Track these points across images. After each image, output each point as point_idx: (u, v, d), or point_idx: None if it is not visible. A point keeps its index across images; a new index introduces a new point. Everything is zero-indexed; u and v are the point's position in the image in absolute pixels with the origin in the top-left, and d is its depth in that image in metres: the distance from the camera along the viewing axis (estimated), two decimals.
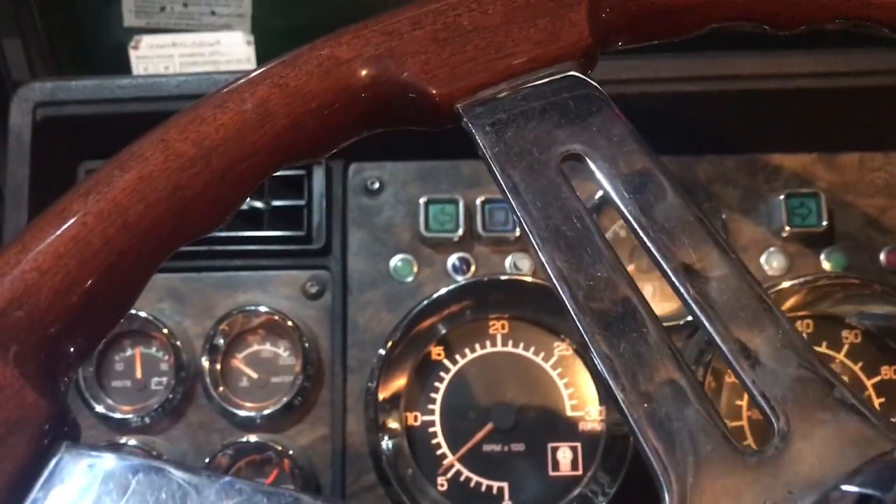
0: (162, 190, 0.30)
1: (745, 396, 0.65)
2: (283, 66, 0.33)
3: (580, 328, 0.31)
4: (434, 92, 0.34)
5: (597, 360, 0.30)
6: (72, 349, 0.28)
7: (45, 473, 0.25)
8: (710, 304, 0.31)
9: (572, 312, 0.31)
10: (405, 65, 0.34)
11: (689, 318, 0.64)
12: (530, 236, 0.32)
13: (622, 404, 0.29)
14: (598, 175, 0.33)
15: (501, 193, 0.33)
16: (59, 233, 0.28)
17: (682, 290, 0.31)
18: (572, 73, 0.35)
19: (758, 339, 0.30)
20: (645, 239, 0.32)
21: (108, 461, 0.26)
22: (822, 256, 0.67)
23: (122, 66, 0.77)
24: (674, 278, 0.32)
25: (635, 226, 0.33)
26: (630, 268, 0.57)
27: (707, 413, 0.29)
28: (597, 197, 0.62)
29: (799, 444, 0.28)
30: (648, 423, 0.29)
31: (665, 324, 0.33)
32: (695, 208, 0.33)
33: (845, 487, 0.26)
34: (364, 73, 0.34)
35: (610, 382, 0.30)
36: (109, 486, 0.25)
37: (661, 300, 0.64)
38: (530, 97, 0.35)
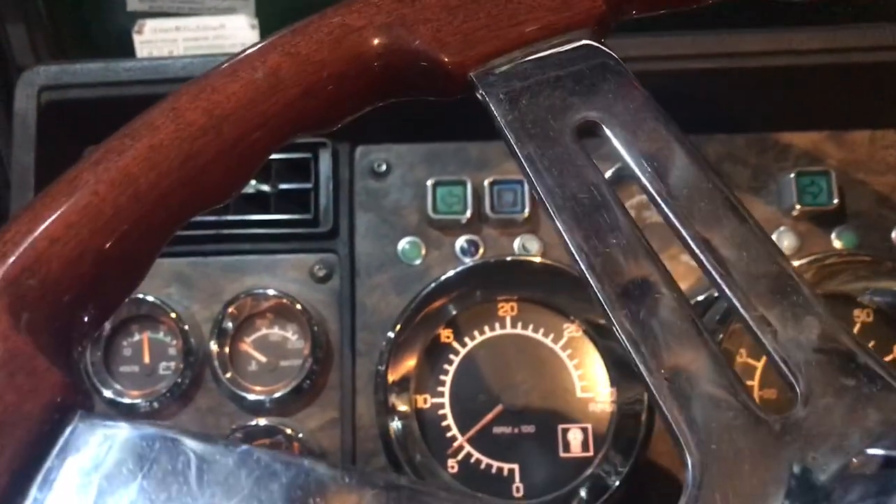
0: (173, 159, 0.29)
1: (757, 377, 0.64)
2: (294, 34, 0.33)
3: (598, 297, 0.31)
4: (446, 60, 0.34)
5: (616, 329, 0.30)
6: (85, 318, 0.28)
7: (60, 442, 0.25)
8: (730, 272, 0.30)
9: (590, 282, 0.31)
10: (417, 32, 0.33)
11: (702, 297, 0.64)
12: (547, 205, 0.32)
13: (644, 373, 0.29)
14: (615, 142, 0.33)
15: (517, 163, 0.33)
16: (70, 202, 0.28)
17: (701, 257, 0.31)
18: (587, 41, 0.35)
19: (779, 306, 0.30)
20: (663, 206, 0.32)
21: (123, 430, 0.25)
22: (833, 235, 0.66)
23: (125, 50, 0.77)
24: (693, 246, 0.31)
25: (653, 193, 0.32)
26: None
27: (729, 381, 0.29)
28: (610, 172, 0.61)
29: (822, 409, 0.27)
30: (670, 392, 0.28)
31: None
32: (713, 175, 0.32)
33: (871, 451, 0.25)
34: (375, 41, 0.33)
35: (631, 351, 0.29)
36: (125, 455, 0.25)
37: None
38: (545, 65, 0.34)
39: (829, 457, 0.26)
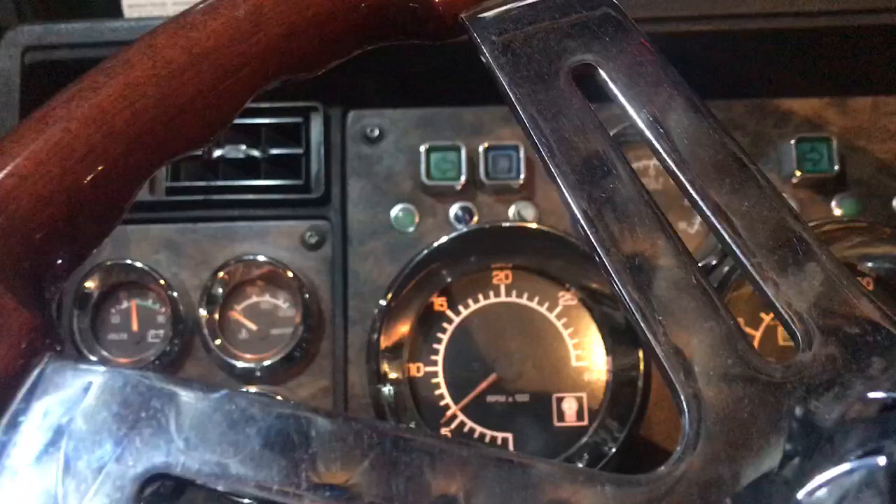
0: (150, 97, 0.28)
1: (755, 344, 0.63)
2: None
3: (592, 245, 0.29)
4: (436, 0, 0.32)
5: (611, 277, 0.29)
6: (57, 260, 0.27)
7: (28, 383, 0.24)
8: (732, 220, 0.29)
9: (585, 229, 0.30)
10: None
11: (700, 263, 0.63)
12: (540, 150, 0.31)
13: (636, 317, 0.28)
14: (611, 86, 0.32)
15: (510, 107, 0.32)
16: (41, 138, 0.27)
17: (701, 204, 0.30)
18: None
19: (782, 253, 0.29)
20: (661, 152, 0.31)
21: (96, 374, 0.24)
22: (834, 202, 0.65)
23: (113, 13, 0.75)
24: (693, 193, 0.30)
25: (651, 139, 0.31)
26: None
27: (729, 328, 0.28)
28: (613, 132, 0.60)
29: (825, 357, 0.26)
30: (665, 339, 0.27)
31: None
32: (714, 122, 0.31)
33: (871, 395, 0.24)
34: None
35: (629, 305, 0.28)
36: (97, 399, 0.24)
37: None
38: (541, 10, 0.33)
39: (831, 403, 0.25)
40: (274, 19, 0.31)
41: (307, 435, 0.24)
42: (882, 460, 0.20)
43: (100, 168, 0.27)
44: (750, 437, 0.25)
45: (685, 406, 0.26)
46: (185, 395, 0.24)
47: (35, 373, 0.24)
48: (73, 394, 0.24)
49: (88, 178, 0.27)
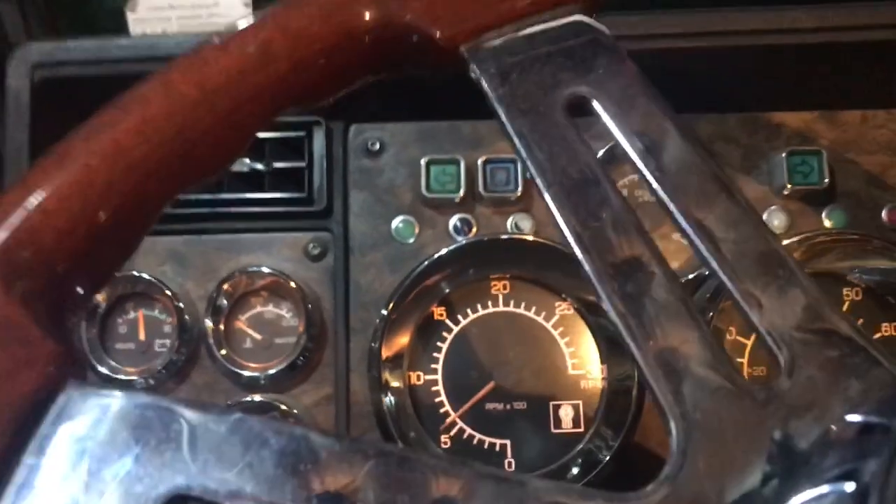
0: (165, 132, 0.30)
1: (747, 354, 0.65)
2: (286, 8, 0.33)
3: (588, 272, 0.31)
4: (438, 34, 0.34)
5: (606, 303, 0.30)
6: (78, 288, 0.28)
7: (54, 410, 0.25)
8: (719, 248, 0.31)
9: (580, 257, 0.31)
10: (408, 6, 0.33)
11: (692, 275, 0.64)
12: (537, 180, 0.32)
13: (631, 346, 0.29)
14: (605, 118, 0.33)
15: (507, 138, 0.33)
16: (62, 174, 0.28)
17: (690, 233, 0.31)
18: (578, 17, 0.35)
19: (766, 280, 0.30)
20: (653, 182, 0.32)
21: (117, 399, 0.26)
22: (824, 214, 0.67)
23: (119, 28, 0.76)
24: (683, 222, 0.32)
25: (643, 169, 0.33)
26: None
27: (714, 354, 0.29)
28: (602, 152, 0.61)
29: (805, 379, 0.28)
30: (656, 363, 0.29)
31: None
32: (703, 152, 0.33)
33: (849, 417, 0.26)
34: (367, 14, 0.33)
35: (619, 325, 0.30)
36: (118, 423, 0.25)
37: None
38: (536, 41, 0.35)
39: (811, 424, 0.27)
40: (282, 54, 0.32)
41: (316, 456, 0.25)
42: (850, 486, 0.21)
43: (118, 201, 0.29)
44: (734, 456, 0.26)
45: (672, 427, 0.27)
46: (202, 419, 0.26)
47: (61, 399, 0.25)
48: (95, 418, 0.25)
49: (107, 211, 0.28)
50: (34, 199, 0.27)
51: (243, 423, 0.26)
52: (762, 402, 0.27)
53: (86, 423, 0.25)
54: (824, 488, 0.22)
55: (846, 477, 0.22)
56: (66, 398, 0.25)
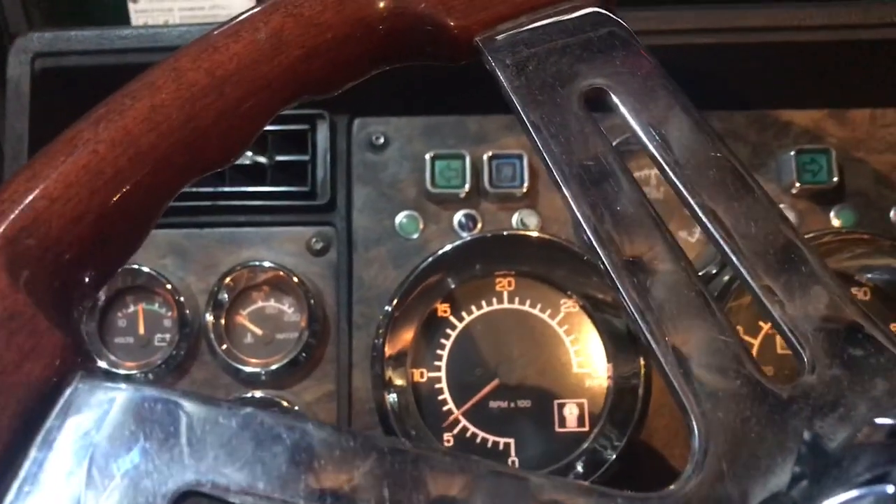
0: (174, 119, 0.29)
1: (754, 354, 0.64)
2: None
3: (604, 266, 0.30)
4: (452, 24, 0.33)
5: (623, 297, 0.30)
6: (85, 278, 0.27)
7: (61, 402, 0.25)
8: (738, 243, 0.30)
9: (597, 250, 0.31)
10: None
11: (700, 273, 0.63)
12: (553, 172, 0.32)
13: (650, 342, 0.29)
14: (622, 109, 0.33)
15: (524, 129, 0.33)
16: (69, 160, 0.27)
17: (709, 227, 0.31)
18: (595, 8, 0.34)
19: (787, 276, 0.30)
20: (671, 174, 0.32)
21: (125, 392, 0.25)
22: (832, 213, 0.66)
23: (121, 20, 0.75)
24: (701, 215, 0.31)
25: (661, 161, 0.32)
26: None
27: (735, 351, 0.28)
28: (616, 143, 0.61)
29: (830, 379, 0.27)
30: (676, 361, 0.28)
31: None
32: (721, 145, 0.32)
33: (879, 421, 0.25)
34: (381, 3, 0.33)
35: (637, 320, 0.29)
36: (126, 417, 0.25)
37: None
38: (552, 32, 0.34)
39: (837, 425, 0.26)
40: (294, 42, 0.31)
41: (329, 453, 0.25)
42: (890, 488, 0.21)
43: (126, 189, 0.28)
44: (757, 456, 0.26)
45: (694, 426, 0.26)
46: (212, 413, 0.25)
47: (68, 391, 0.25)
48: (102, 411, 0.25)
49: (115, 198, 0.28)
50: (40, 185, 0.27)
51: (254, 418, 0.25)
52: (786, 401, 0.27)
53: (93, 417, 0.24)
54: (859, 491, 0.21)
55: (881, 480, 0.21)
56: (73, 390, 0.25)
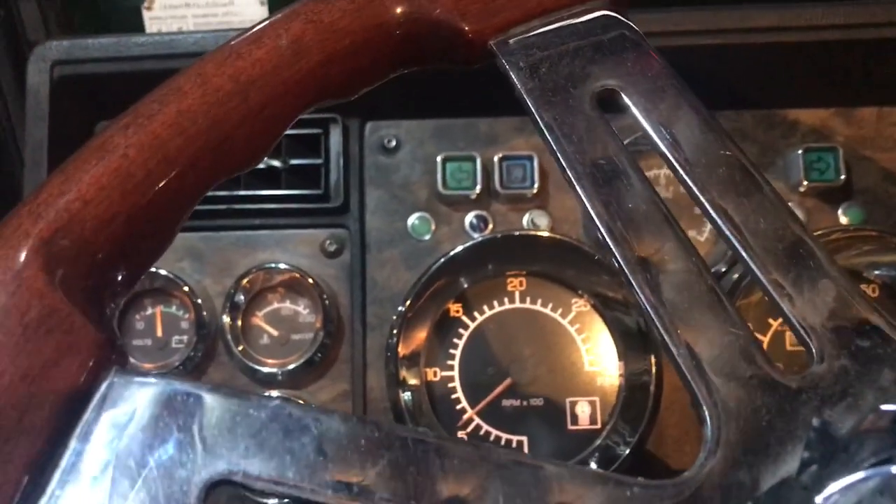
0: (200, 124, 0.30)
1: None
2: (317, 2, 0.33)
3: (618, 263, 0.31)
4: (467, 28, 0.34)
5: (636, 293, 0.30)
6: (118, 277, 0.28)
7: (97, 396, 0.26)
8: (747, 239, 0.31)
9: (611, 248, 0.31)
10: (438, 1, 0.34)
11: (713, 269, 0.64)
12: (567, 172, 0.33)
13: (663, 336, 0.30)
14: (634, 110, 0.34)
15: (537, 131, 0.34)
16: (101, 164, 0.28)
17: (719, 223, 0.32)
18: (606, 11, 0.35)
19: (795, 270, 0.30)
20: (682, 173, 0.32)
21: (158, 386, 0.26)
22: (840, 211, 0.67)
23: (135, 26, 0.77)
24: (712, 212, 0.32)
25: (672, 160, 0.33)
26: None
27: (746, 343, 0.29)
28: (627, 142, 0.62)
29: (838, 369, 0.28)
30: (689, 354, 0.29)
31: None
32: (731, 143, 0.33)
33: (884, 407, 0.26)
34: (397, 9, 0.34)
35: (651, 315, 0.30)
36: (160, 409, 0.26)
37: None
38: (564, 35, 0.35)
39: (845, 413, 0.27)
40: (314, 48, 0.32)
41: (357, 443, 0.25)
42: (894, 469, 0.21)
43: (156, 191, 0.29)
44: (768, 444, 0.26)
45: (707, 415, 0.27)
46: (242, 405, 0.26)
47: (103, 386, 0.26)
48: (137, 405, 0.26)
49: (145, 200, 0.29)
50: (73, 189, 0.28)
51: (283, 410, 0.26)
52: (795, 391, 0.28)
53: (128, 410, 0.25)
54: (865, 473, 0.22)
55: (886, 462, 0.22)
56: (109, 385, 0.26)
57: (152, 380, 0.26)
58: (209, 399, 0.26)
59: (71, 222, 0.27)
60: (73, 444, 0.25)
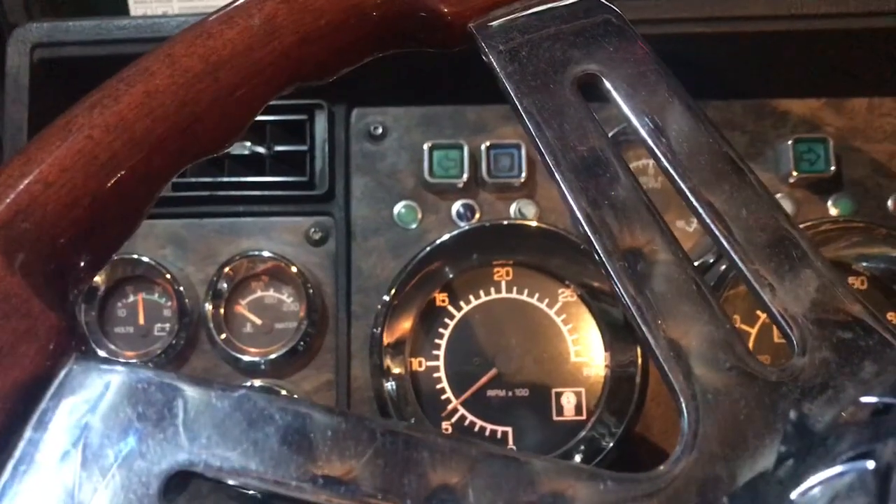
0: (169, 105, 0.29)
1: (751, 343, 0.65)
2: None
3: (597, 253, 0.30)
4: (446, 10, 0.33)
5: (615, 284, 0.30)
6: (80, 262, 0.28)
7: (55, 384, 0.25)
8: (730, 227, 0.30)
9: (589, 237, 0.31)
10: None
11: (697, 262, 0.64)
12: (546, 158, 0.32)
13: (641, 327, 0.29)
14: (615, 95, 0.33)
15: (517, 115, 0.33)
16: (64, 146, 0.28)
17: (701, 212, 0.31)
18: None
19: (777, 260, 0.30)
20: (663, 160, 0.32)
21: (119, 374, 0.25)
22: (830, 202, 0.66)
23: (119, 10, 0.76)
24: (693, 201, 0.31)
25: (653, 147, 0.32)
26: None
27: (726, 335, 0.29)
28: (611, 134, 0.61)
29: (819, 361, 0.28)
30: (667, 345, 0.28)
31: None
32: (714, 131, 0.32)
33: (864, 399, 0.26)
34: None
35: (628, 305, 0.29)
36: (120, 398, 0.25)
37: None
38: (546, 18, 0.34)
39: (825, 406, 0.26)
40: (288, 28, 0.31)
41: (322, 434, 0.25)
42: (871, 463, 0.21)
43: (121, 174, 0.28)
44: (746, 437, 0.26)
45: (684, 407, 0.27)
46: (206, 395, 0.25)
47: (62, 373, 0.25)
48: (97, 393, 0.25)
49: (110, 183, 0.28)
50: (35, 170, 0.27)
51: (247, 400, 0.25)
52: (775, 384, 0.27)
53: (87, 398, 0.25)
54: (841, 468, 0.22)
55: (864, 457, 0.21)
56: (68, 372, 0.25)
57: (114, 367, 0.25)
58: (172, 388, 0.25)
59: (32, 205, 0.26)
60: (28, 432, 0.24)
